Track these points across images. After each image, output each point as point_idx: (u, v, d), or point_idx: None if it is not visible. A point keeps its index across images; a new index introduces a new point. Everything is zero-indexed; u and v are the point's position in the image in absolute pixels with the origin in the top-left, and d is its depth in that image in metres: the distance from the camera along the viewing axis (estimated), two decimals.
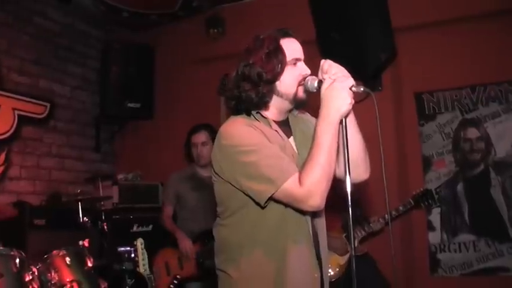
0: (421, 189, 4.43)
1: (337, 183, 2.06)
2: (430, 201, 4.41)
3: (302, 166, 1.97)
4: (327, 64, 2.05)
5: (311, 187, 1.92)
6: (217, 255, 2.28)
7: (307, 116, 2.39)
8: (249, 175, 2.02)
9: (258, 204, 2.05)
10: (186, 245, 4.30)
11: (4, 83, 5.05)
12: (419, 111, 5.15)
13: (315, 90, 2.07)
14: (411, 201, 4.34)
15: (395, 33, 4.80)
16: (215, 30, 5.80)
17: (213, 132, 4.35)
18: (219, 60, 5.46)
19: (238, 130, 2.11)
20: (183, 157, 4.85)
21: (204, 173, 4.46)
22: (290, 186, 1.95)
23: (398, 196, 4.72)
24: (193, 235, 4.34)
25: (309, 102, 2.22)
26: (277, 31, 2.21)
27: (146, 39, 6.23)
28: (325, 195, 1.96)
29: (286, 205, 2.05)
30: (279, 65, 2.12)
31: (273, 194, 1.97)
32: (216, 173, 2.19)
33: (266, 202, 2.02)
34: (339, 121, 1.96)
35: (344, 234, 4.22)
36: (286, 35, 2.19)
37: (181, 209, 4.55)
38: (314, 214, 2.18)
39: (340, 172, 2.17)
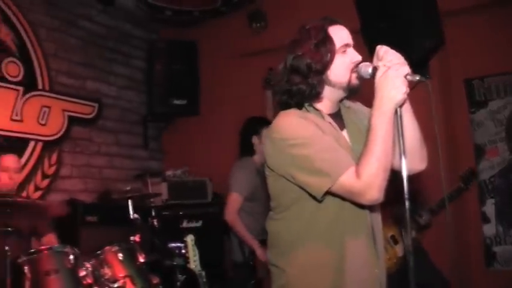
0: (467, 169, 4.45)
1: (394, 176, 1.99)
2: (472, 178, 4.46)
3: (358, 158, 1.92)
4: (382, 50, 1.98)
5: (368, 180, 1.86)
6: (270, 249, 2.24)
7: (359, 106, 2.34)
8: (304, 169, 1.98)
9: (314, 198, 2.00)
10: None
11: (53, 85, 5.18)
12: (470, 98, 5.01)
13: (368, 77, 2.00)
14: (461, 184, 4.32)
15: (443, 18, 4.66)
16: (257, 24, 5.79)
17: None
18: (263, 54, 5.45)
19: (291, 123, 2.06)
20: (230, 152, 4.82)
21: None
22: (347, 179, 1.90)
23: (450, 187, 4.60)
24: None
25: (362, 90, 2.16)
26: (323, 19, 2.15)
27: (190, 36, 6.27)
28: (383, 187, 1.90)
29: (343, 198, 2.00)
30: (328, 54, 2.06)
31: (330, 188, 1.93)
32: (269, 168, 2.16)
33: (323, 196, 1.97)
34: (393, 111, 1.90)
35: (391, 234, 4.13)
36: (333, 22, 2.13)
37: (252, 201, 4.31)
38: (371, 208, 2.12)
39: (395, 163, 2.07)
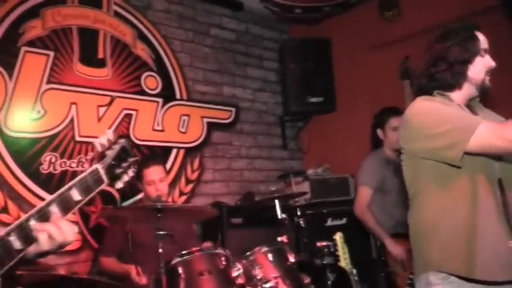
0: None
1: None
2: None
3: None
4: None
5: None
6: (414, 239, 2.38)
7: (483, 108, 2.48)
8: (438, 135, 2.14)
9: (453, 166, 2.13)
10: (400, 251, 3.94)
11: (191, 94, 5.35)
12: None
13: None
14: None
15: None
16: (390, 13, 5.55)
17: None
18: (396, 43, 5.25)
19: (421, 106, 2.29)
20: (369, 146, 4.66)
21: (396, 158, 4.16)
22: (485, 127, 2.05)
23: None
24: (403, 225, 4.03)
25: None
26: (468, 23, 2.39)
27: (319, 32, 6.21)
28: None
29: (476, 168, 2.15)
30: (474, 49, 2.29)
31: (470, 140, 2.04)
32: (405, 154, 2.36)
33: (462, 158, 2.08)
34: None
35: None
36: (477, 28, 2.36)
37: (383, 194, 4.23)
38: (502, 187, 2.21)
39: None
